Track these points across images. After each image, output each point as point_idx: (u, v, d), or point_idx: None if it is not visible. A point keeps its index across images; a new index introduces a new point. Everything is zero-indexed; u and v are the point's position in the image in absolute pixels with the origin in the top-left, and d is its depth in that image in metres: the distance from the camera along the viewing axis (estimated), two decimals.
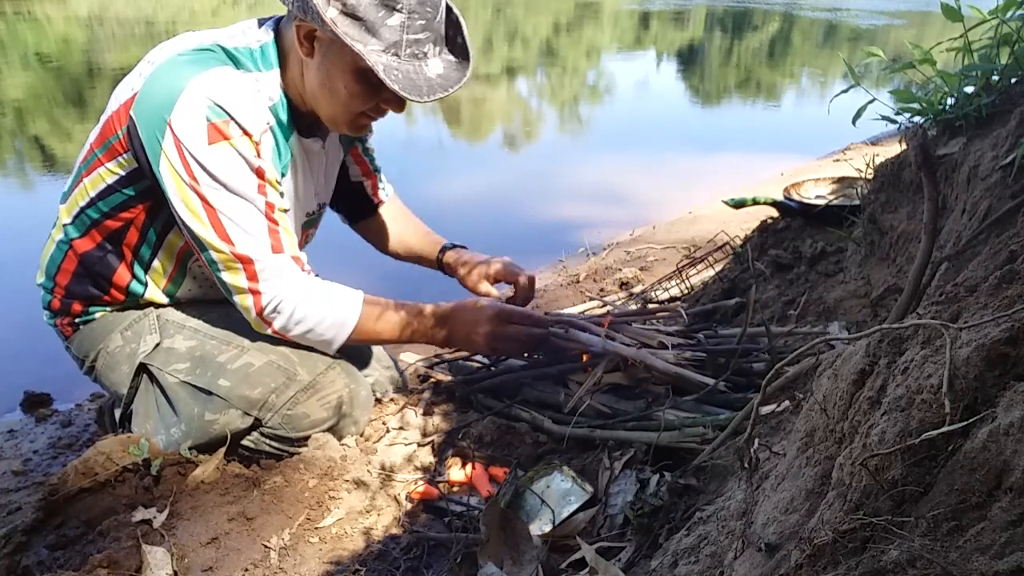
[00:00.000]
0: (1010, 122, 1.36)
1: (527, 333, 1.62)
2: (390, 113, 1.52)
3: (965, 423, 0.58)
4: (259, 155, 1.41)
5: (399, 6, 1.31)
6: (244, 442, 1.62)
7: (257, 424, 1.59)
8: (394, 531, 1.37)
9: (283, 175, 1.52)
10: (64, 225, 1.58)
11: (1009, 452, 0.53)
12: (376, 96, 1.42)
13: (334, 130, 1.56)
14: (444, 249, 1.91)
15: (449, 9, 1.43)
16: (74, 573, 1.28)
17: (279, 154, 1.48)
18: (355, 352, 1.86)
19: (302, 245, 1.74)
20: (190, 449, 1.56)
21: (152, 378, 1.61)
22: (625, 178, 5.04)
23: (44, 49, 8.99)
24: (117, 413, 1.71)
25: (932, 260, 1.24)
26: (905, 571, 0.53)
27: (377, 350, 1.94)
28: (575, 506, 1.31)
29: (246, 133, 1.38)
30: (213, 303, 1.64)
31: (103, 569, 1.27)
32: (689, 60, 10.65)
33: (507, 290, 1.88)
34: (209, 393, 1.55)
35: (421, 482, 1.49)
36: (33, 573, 1.35)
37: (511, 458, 1.50)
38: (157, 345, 1.58)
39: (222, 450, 1.56)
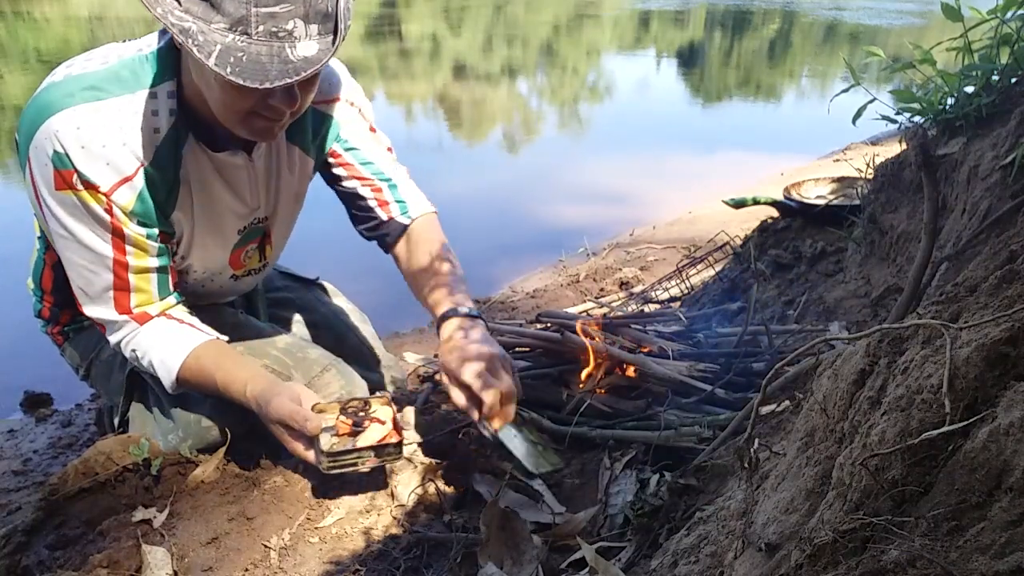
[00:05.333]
0: (1010, 122, 1.36)
1: (293, 449, 1.39)
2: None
3: (965, 423, 0.58)
4: (110, 211, 1.29)
5: None
6: (242, 445, 1.61)
7: (254, 428, 1.58)
8: (394, 531, 1.36)
9: (173, 207, 1.38)
10: (37, 237, 1.55)
11: (1009, 452, 0.53)
12: (250, 91, 1.14)
13: (237, 134, 1.32)
14: (445, 317, 1.50)
15: None
16: (74, 573, 1.28)
17: (158, 189, 1.33)
18: (354, 353, 1.86)
19: (239, 261, 1.57)
20: (190, 449, 1.56)
21: (147, 385, 1.60)
22: (625, 178, 5.05)
23: (44, 49, 8.99)
24: (116, 419, 1.71)
25: (932, 260, 1.24)
26: (905, 571, 0.53)
27: (378, 350, 1.94)
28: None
29: (90, 187, 1.26)
30: (201, 309, 1.56)
31: (103, 569, 1.27)
32: (689, 60, 10.65)
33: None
34: (205, 398, 1.54)
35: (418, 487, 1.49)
36: (33, 573, 1.35)
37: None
38: None
39: (222, 450, 1.56)
